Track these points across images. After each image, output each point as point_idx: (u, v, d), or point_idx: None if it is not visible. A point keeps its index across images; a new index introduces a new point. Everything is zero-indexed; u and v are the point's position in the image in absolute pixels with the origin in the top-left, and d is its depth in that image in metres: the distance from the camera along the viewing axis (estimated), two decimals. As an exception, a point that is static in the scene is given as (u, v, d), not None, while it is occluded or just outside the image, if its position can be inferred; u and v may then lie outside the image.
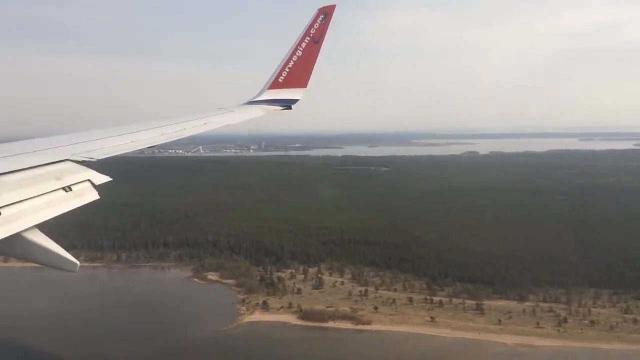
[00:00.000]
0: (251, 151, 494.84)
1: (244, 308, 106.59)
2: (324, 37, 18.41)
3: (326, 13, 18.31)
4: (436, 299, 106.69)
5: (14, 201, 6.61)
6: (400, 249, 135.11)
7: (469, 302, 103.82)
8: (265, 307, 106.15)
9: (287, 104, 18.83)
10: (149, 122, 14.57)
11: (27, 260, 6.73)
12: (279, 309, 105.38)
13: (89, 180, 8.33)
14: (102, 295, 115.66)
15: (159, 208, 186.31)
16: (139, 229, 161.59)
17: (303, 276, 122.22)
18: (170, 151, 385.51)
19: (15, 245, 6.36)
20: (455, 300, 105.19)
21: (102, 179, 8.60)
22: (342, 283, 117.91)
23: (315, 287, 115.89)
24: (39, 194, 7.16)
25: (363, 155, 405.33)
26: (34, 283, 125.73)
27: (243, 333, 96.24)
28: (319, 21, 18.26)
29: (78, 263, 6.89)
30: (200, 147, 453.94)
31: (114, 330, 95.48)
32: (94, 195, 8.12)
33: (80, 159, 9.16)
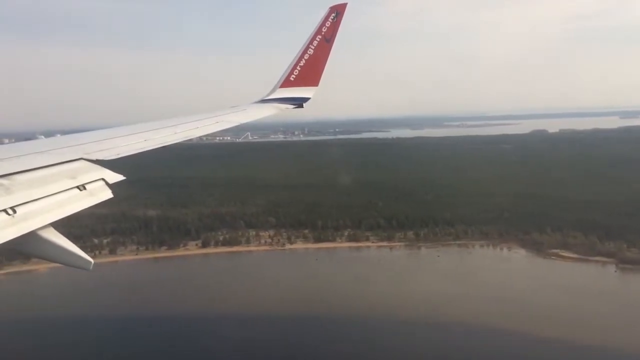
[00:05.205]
0: (300, 136, 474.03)
1: None
2: (335, 35, 17.80)
3: (337, 11, 17.59)
4: None
5: (29, 199, 6.41)
6: None
7: None
8: None
9: (299, 102, 18.07)
10: (161, 121, 13.45)
11: (42, 259, 6.55)
12: None
13: (103, 179, 7.86)
14: (494, 282, 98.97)
15: (374, 187, 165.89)
16: (378, 207, 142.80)
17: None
18: (218, 138, 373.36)
19: (30, 244, 6.18)
20: None
21: (115, 177, 8.05)
22: None
23: None
24: (54, 192, 6.90)
25: (439, 135, 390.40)
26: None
27: None
28: (330, 19, 17.57)
29: (92, 261, 6.46)
30: (248, 134, 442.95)
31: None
32: (108, 194, 7.63)
33: (94, 158, 8.65)
